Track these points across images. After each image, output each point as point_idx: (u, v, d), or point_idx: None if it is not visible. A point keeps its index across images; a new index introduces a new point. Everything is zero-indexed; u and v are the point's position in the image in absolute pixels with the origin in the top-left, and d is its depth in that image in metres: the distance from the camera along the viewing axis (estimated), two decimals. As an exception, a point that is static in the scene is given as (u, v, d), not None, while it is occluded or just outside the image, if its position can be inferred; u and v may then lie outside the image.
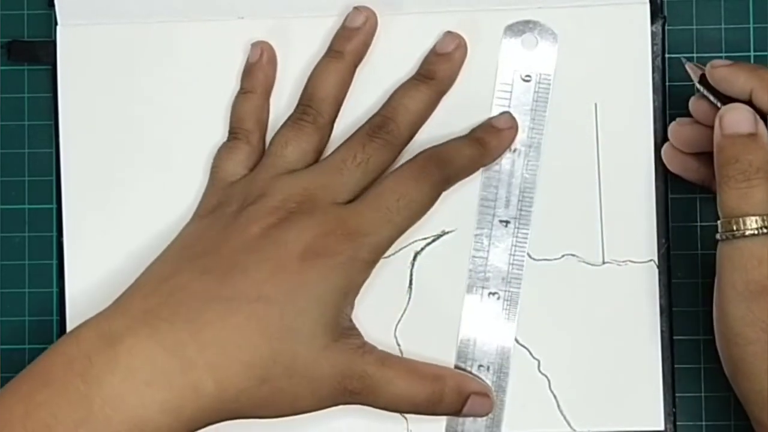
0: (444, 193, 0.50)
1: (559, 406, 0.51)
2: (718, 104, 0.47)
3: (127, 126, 0.53)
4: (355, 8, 0.51)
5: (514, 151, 0.51)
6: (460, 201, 0.52)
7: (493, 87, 0.52)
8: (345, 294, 0.47)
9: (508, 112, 0.51)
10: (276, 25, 0.53)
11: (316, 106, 0.51)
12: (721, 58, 0.52)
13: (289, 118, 0.51)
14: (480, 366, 0.51)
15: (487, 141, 0.50)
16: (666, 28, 0.52)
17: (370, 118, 0.51)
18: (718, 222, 0.45)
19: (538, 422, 0.51)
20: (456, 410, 0.49)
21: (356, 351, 0.47)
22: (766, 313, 0.43)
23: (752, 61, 0.52)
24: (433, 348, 0.51)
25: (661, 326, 0.51)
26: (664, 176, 0.51)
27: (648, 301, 0.51)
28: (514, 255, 0.51)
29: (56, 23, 0.53)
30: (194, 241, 0.49)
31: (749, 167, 0.44)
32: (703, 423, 0.52)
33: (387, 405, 0.48)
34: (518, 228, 0.51)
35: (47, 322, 0.54)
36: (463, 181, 0.51)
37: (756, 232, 0.43)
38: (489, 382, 0.51)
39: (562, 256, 0.52)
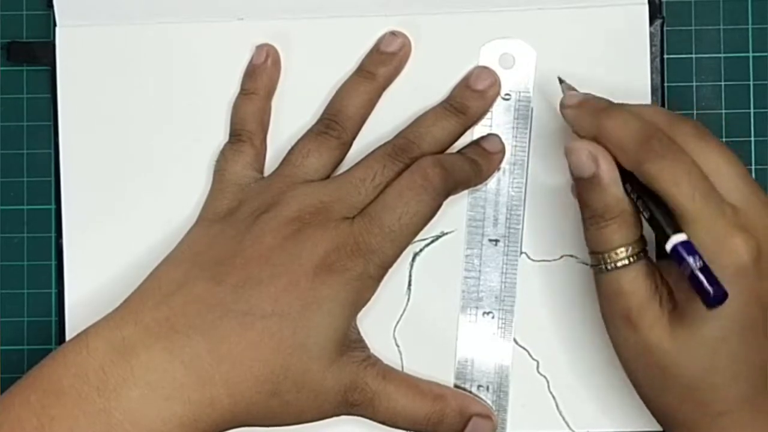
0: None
1: (558, 406, 0.51)
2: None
3: (126, 127, 0.53)
4: (392, 33, 0.52)
5: (499, 169, 0.51)
6: (458, 202, 0.52)
7: None
8: (354, 309, 0.47)
9: (496, 136, 0.51)
10: (275, 27, 0.53)
11: (341, 122, 0.51)
12: (719, 58, 0.52)
13: (311, 130, 0.51)
14: (479, 386, 0.51)
15: (480, 164, 0.50)
16: (665, 28, 0.52)
17: (394, 139, 0.50)
18: (588, 252, 0.46)
19: (538, 423, 0.51)
20: (457, 431, 0.49)
21: (360, 364, 0.48)
22: (632, 338, 0.44)
23: (751, 61, 0.52)
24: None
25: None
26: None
27: (647, 302, 0.51)
28: (505, 273, 0.51)
29: (55, 24, 0.53)
30: (206, 247, 0.48)
31: (596, 210, 0.45)
32: (703, 424, 0.52)
33: (385, 419, 0.48)
34: (508, 246, 0.52)
35: (46, 324, 0.54)
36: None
37: (622, 263, 0.44)
38: (489, 402, 0.51)
39: (561, 257, 0.52)
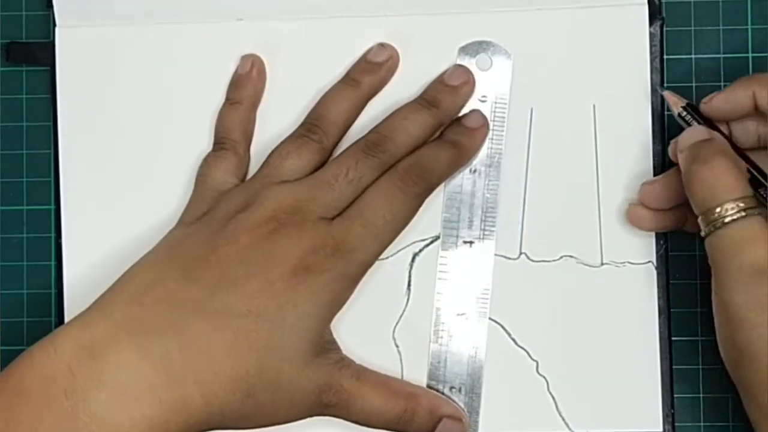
0: (441, 196, 0.51)
1: (557, 407, 0.51)
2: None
3: (125, 127, 0.53)
4: (380, 45, 0.52)
5: (474, 171, 0.51)
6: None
7: None
8: (331, 310, 0.47)
9: (477, 111, 0.51)
10: (274, 27, 0.53)
11: (324, 127, 0.50)
12: (719, 59, 0.52)
13: (293, 134, 0.51)
14: (452, 388, 0.51)
15: (461, 143, 0.50)
16: (664, 29, 0.52)
17: (367, 134, 0.50)
18: (699, 220, 0.45)
19: (537, 423, 0.51)
20: (428, 431, 0.49)
21: (335, 365, 0.48)
22: (766, 294, 0.43)
23: (750, 62, 0.52)
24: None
25: (660, 327, 0.51)
26: (663, 177, 0.51)
27: (646, 303, 0.51)
28: (480, 275, 0.51)
29: (55, 24, 0.53)
30: (180, 247, 0.48)
31: (711, 157, 0.44)
32: (702, 424, 0.52)
33: (359, 419, 0.48)
34: (483, 248, 0.52)
35: (45, 323, 0.54)
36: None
37: (735, 216, 0.44)
38: (461, 404, 0.51)
39: (561, 257, 0.52)
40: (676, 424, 0.51)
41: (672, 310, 0.51)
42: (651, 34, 0.52)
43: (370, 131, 0.50)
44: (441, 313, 0.52)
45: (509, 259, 0.52)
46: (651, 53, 0.52)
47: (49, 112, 0.54)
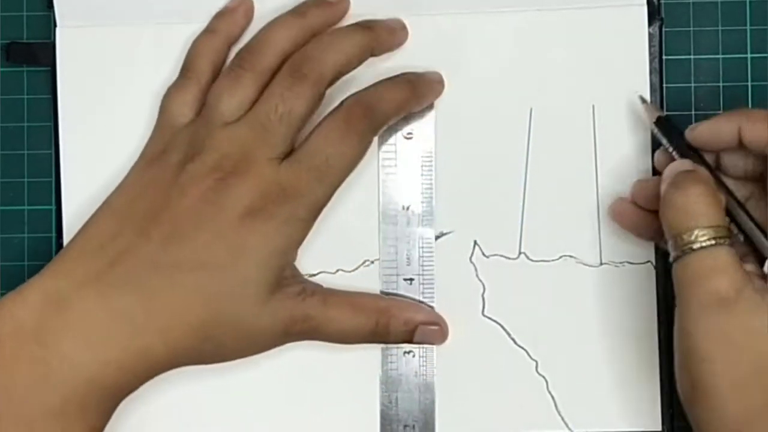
0: (440, 196, 0.51)
1: (557, 406, 0.51)
2: (671, 150, 0.48)
3: (126, 127, 0.53)
4: None
5: (407, 209, 0.52)
6: (457, 202, 0.52)
7: (377, 148, 0.52)
8: (285, 253, 0.48)
9: (436, 71, 0.51)
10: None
11: (256, 52, 0.49)
12: (718, 59, 0.52)
13: (225, 68, 0.50)
14: (405, 426, 0.51)
15: (418, 86, 0.50)
16: (663, 29, 0.52)
17: (293, 55, 0.49)
18: (669, 244, 0.44)
19: (536, 423, 0.52)
20: (406, 340, 0.50)
21: (296, 298, 0.48)
22: (724, 325, 0.42)
23: (749, 63, 0.52)
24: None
25: (659, 327, 0.51)
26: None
27: (646, 302, 0.51)
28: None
29: (55, 25, 0.53)
30: (138, 198, 0.48)
31: (687, 183, 0.44)
32: (701, 424, 0.52)
33: (334, 340, 0.50)
34: (422, 284, 0.52)
35: (46, 323, 0.54)
36: (457, 183, 0.52)
37: (705, 244, 0.43)
38: None
39: (560, 257, 0.52)
40: (675, 423, 0.51)
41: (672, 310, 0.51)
42: (650, 35, 0.52)
43: (297, 52, 0.49)
44: (390, 349, 0.52)
45: (509, 258, 0.52)
46: (650, 54, 0.52)
47: (49, 112, 0.54)
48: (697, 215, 0.43)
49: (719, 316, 0.42)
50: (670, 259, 0.44)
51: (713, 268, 0.43)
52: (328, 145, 0.48)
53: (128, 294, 0.46)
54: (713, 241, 0.43)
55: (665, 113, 0.50)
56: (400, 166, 0.52)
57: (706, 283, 0.43)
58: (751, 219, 0.45)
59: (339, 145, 0.48)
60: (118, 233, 0.47)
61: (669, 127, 0.49)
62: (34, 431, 0.45)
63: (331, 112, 0.48)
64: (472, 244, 0.52)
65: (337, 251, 0.52)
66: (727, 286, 0.42)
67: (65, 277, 0.46)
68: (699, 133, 0.47)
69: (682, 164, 0.46)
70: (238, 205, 0.47)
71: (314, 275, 0.52)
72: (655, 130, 0.49)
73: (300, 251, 0.50)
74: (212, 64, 0.51)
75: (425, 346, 0.51)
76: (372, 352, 0.52)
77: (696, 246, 0.43)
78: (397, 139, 0.52)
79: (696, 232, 0.43)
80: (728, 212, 0.45)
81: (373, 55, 0.50)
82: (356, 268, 0.52)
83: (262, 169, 0.47)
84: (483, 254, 0.52)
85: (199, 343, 0.47)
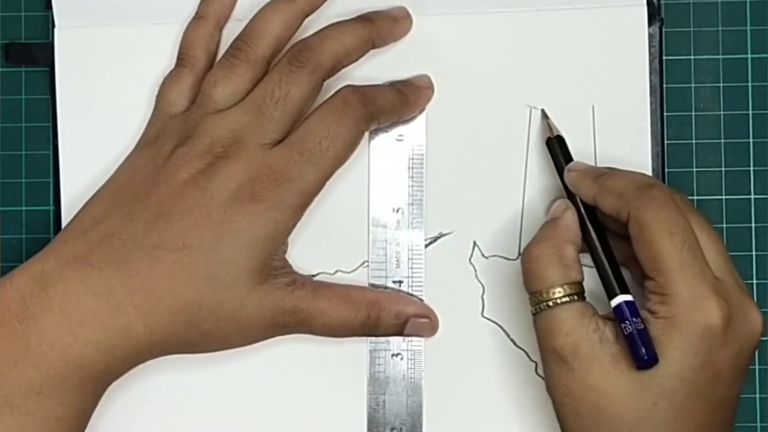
0: (439, 195, 0.51)
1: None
2: (556, 171, 0.50)
3: (124, 128, 0.53)
4: None
5: (398, 210, 0.52)
6: (455, 203, 0.52)
7: (368, 149, 0.52)
8: (273, 239, 0.48)
9: (426, 75, 0.52)
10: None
11: (252, 40, 0.50)
12: (718, 60, 0.52)
13: (221, 57, 0.51)
14: (392, 428, 0.51)
15: (407, 94, 0.50)
16: (663, 30, 0.52)
17: (293, 45, 0.49)
18: (529, 298, 0.46)
19: (536, 424, 0.51)
20: (397, 333, 0.50)
21: (285, 289, 0.48)
22: (565, 380, 0.45)
23: (749, 63, 0.52)
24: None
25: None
26: (662, 177, 0.51)
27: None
28: None
29: (54, 25, 0.53)
30: (127, 183, 0.49)
31: (542, 240, 0.47)
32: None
33: (323, 333, 0.49)
34: (411, 287, 0.52)
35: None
36: (454, 184, 0.52)
37: (550, 304, 0.45)
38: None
39: (560, 257, 0.52)
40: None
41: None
42: (650, 35, 0.52)
43: (297, 41, 0.49)
44: (378, 353, 0.52)
45: (508, 259, 0.52)
46: (650, 54, 0.52)
47: (48, 112, 0.54)
48: (543, 277, 0.46)
49: (561, 372, 0.45)
50: (531, 311, 0.47)
51: (553, 329, 0.45)
52: (323, 127, 0.48)
53: (109, 273, 0.46)
54: (564, 299, 0.45)
55: (558, 134, 0.50)
56: (391, 169, 0.52)
57: (550, 341, 0.45)
58: (610, 256, 0.47)
59: (335, 126, 0.48)
60: (107, 216, 0.48)
61: (558, 149, 0.50)
62: (12, 406, 0.45)
63: (327, 99, 0.49)
64: (472, 245, 0.52)
65: (337, 252, 0.52)
66: (564, 344, 0.45)
67: (50, 260, 0.47)
68: (567, 177, 0.49)
69: (556, 207, 0.48)
70: (226, 188, 0.47)
71: (314, 276, 0.52)
72: (547, 149, 0.50)
73: (298, 252, 0.50)
74: (206, 51, 0.51)
75: (414, 348, 0.51)
76: (359, 354, 0.52)
77: (543, 306, 0.46)
78: (388, 141, 0.52)
79: (544, 292, 0.46)
80: (588, 246, 0.47)
81: (375, 46, 0.50)
82: (355, 269, 0.52)
83: (252, 153, 0.47)
84: (482, 255, 0.52)
85: (182, 328, 0.47)
